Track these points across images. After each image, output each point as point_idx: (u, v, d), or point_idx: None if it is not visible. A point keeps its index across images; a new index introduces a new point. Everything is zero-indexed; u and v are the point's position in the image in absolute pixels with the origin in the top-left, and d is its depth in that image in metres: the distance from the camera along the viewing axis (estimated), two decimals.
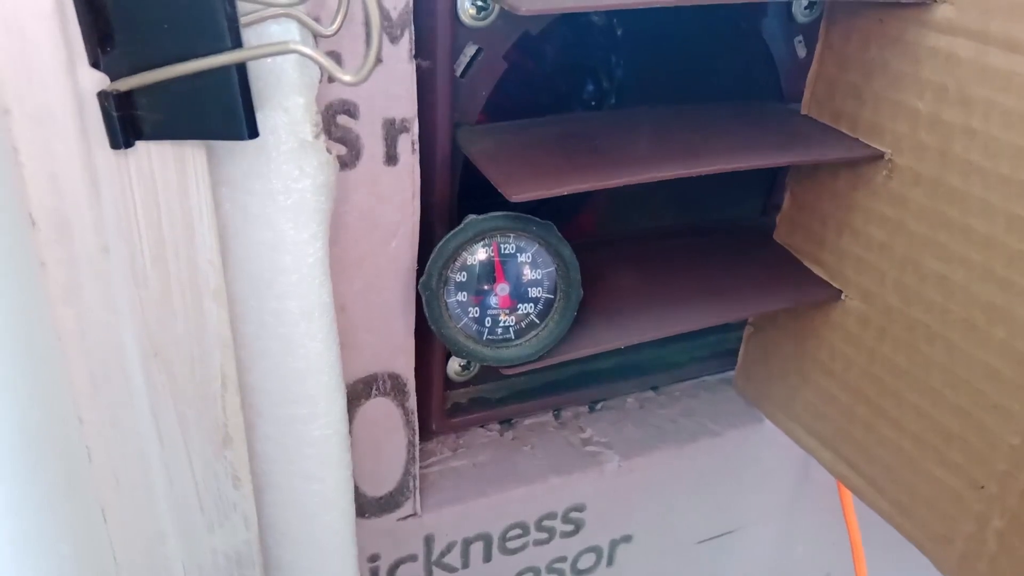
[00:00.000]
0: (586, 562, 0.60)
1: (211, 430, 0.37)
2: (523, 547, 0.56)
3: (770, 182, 0.56)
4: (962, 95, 0.40)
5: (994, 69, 0.38)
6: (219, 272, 0.34)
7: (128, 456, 0.36)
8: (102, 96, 0.28)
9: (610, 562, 0.61)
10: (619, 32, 0.55)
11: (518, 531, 0.55)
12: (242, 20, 0.28)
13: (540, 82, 0.53)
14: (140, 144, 0.30)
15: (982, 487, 0.43)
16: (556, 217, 0.43)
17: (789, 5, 0.49)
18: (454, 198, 0.45)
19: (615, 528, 0.60)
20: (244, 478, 0.39)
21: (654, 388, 0.62)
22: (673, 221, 0.58)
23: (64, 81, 0.27)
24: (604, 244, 0.55)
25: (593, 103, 0.57)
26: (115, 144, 0.28)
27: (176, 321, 0.34)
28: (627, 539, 0.60)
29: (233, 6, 0.27)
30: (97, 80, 0.28)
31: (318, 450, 0.40)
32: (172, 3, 0.27)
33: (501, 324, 0.43)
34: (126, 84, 0.28)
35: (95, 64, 0.28)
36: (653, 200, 0.57)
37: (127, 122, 0.29)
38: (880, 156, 0.44)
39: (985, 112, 0.39)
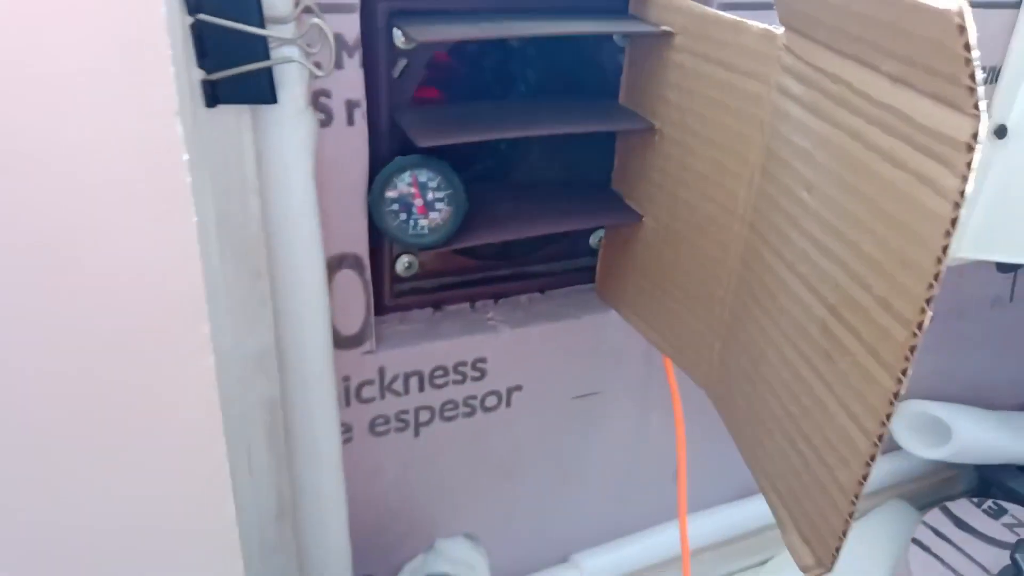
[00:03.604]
0: (490, 402, 0.75)
1: (249, 266, 0.61)
2: (445, 384, 0.71)
3: (611, 148, 0.78)
4: (689, 89, 0.65)
5: (705, 73, 0.63)
6: (255, 180, 0.60)
7: None
8: (204, 83, 0.55)
9: (508, 404, 0.76)
10: (511, 45, 0.78)
11: (441, 372, 0.71)
12: (271, 45, 0.56)
13: (451, 80, 0.74)
14: (220, 106, 0.56)
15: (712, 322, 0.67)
16: (462, 163, 0.65)
17: (611, 36, 0.74)
18: (393, 148, 0.61)
19: (510, 378, 0.74)
20: (268, 300, 0.63)
21: (541, 291, 0.77)
22: (543, 175, 0.76)
23: (185, 76, 0.54)
24: (493, 182, 0.72)
25: (488, 95, 0.77)
26: (209, 104, 0.55)
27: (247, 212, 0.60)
28: (519, 388, 0.76)
29: (266, 43, 0.54)
30: (201, 74, 0.55)
31: (310, 294, 0.66)
32: (237, 37, 0.54)
33: (420, 224, 0.65)
34: (214, 76, 0.55)
35: (200, 66, 0.55)
36: (530, 156, 0.75)
37: (211, 94, 0.56)
38: (653, 127, 0.69)
39: (701, 99, 0.63)
